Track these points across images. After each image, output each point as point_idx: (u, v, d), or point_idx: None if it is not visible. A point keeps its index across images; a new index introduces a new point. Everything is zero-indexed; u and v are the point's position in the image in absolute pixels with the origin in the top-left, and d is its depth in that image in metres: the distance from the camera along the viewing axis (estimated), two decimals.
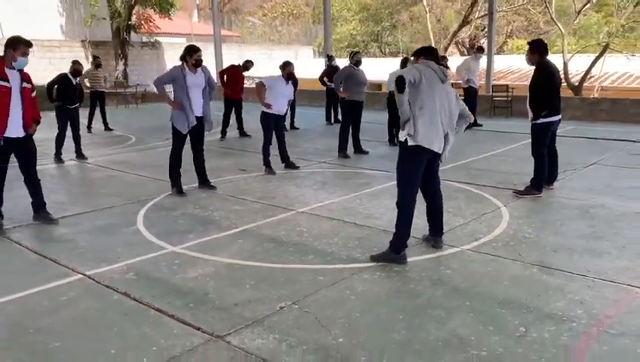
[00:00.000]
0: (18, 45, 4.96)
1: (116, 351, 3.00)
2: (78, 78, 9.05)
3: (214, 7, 17.15)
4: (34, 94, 5.31)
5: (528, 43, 6.29)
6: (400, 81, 3.97)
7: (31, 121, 5.18)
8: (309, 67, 25.53)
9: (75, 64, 9.07)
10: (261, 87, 7.57)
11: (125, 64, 21.95)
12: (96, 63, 12.75)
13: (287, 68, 7.80)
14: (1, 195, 5.23)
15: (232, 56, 22.70)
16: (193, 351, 3.00)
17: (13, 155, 5.19)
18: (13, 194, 5.74)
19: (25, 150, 5.23)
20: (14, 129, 5.04)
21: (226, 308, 3.51)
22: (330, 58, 14.13)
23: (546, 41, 6.55)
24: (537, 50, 6.07)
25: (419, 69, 4.14)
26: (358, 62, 8.93)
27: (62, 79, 8.72)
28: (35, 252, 4.61)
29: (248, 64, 11.37)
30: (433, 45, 27.69)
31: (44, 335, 3.19)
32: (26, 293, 3.76)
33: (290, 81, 7.81)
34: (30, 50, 5.10)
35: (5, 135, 4.98)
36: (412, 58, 4.49)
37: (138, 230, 5.14)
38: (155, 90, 6.48)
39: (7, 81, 4.93)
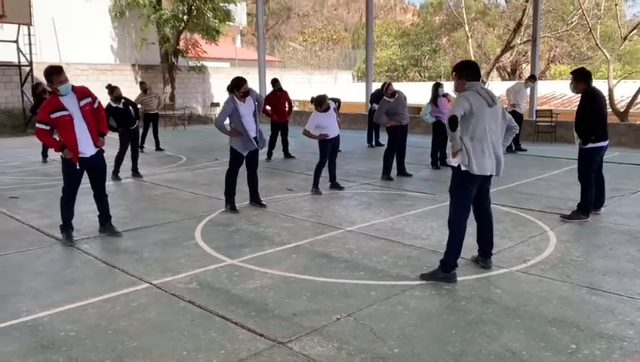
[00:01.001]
0: (51, 77, 5.16)
1: (188, 353, 3.25)
2: (122, 100, 9.25)
3: (259, 36, 17.76)
4: (96, 104, 5.52)
5: (572, 72, 6.37)
6: (453, 121, 4.12)
7: (97, 136, 5.47)
8: (349, 91, 25.93)
9: (113, 91, 9.14)
10: (309, 132, 7.83)
11: (173, 87, 22.79)
12: (143, 88, 13.32)
13: (323, 105, 7.85)
14: (72, 209, 5.63)
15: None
16: (259, 354, 3.22)
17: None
18: (79, 209, 6.12)
19: (97, 167, 5.61)
20: (85, 148, 5.40)
21: (286, 317, 3.72)
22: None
23: (589, 68, 6.65)
24: (582, 79, 6.17)
25: (468, 98, 4.22)
26: (392, 94, 9.03)
27: (109, 110, 8.96)
28: (104, 261, 4.96)
29: (277, 84, 11.63)
30: None
31: (121, 335, 3.47)
32: (101, 298, 4.07)
33: (331, 109, 7.97)
34: (65, 73, 5.23)
35: (79, 155, 5.37)
36: (453, 73, 4.49)
37: (197, 244, 5.44)
38: (218, 129, 6.85)
39: (65, 109, 5.23)
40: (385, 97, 9.12)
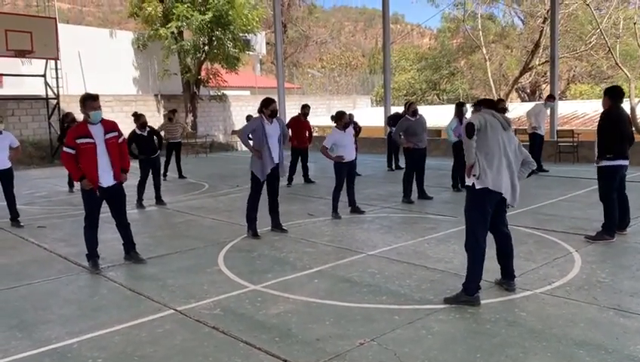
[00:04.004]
0: (85, 102, 5.43)
1: None
2: (147, 129, 9.47)
3: (278, 64, 18.11)
4: (121, 140, 5.74)
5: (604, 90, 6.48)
6: (470, 127, 4.20)
7: (120, 171, 5.67)
8: (367, 115, 26.08)
9: (139, 118, 9.41)
10: (326, 150, 7.89)
11: (194, 116, 23.22)
12: (169, 117, 13.70)
13: (341, 119, 7.97)
14: (96, 237, 5.75)
15: (293, 107, 23.59)
16: None
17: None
18: (104, 237, 6.27)
19: (116, 197, 5.74)
20: (104, 178, 5.55)
21: (309, 343, 3.73)
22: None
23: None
24: (607, 94, 6.25)
25: (483, 116, 4.36)
26: (414, 113, 9.17)
27: (133, 137, 9.27)
28: (130, 289, 5.04)
29: (306, 109, 11.87)
30: (494, 92, 27.76)
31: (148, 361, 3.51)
32: (127, 325, 4.13)
33: (347, 128, 8.02)
34: (99, 101, 5.50)
35: (98, 184, 5.52)
36: (472, 108, 4.74)
37: (220, 270, 5.50)
38: (240, 141, 7.12)
39: (91, 137, 5.43)
40: (406, 115, 9.19)
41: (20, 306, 4.65)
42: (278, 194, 7.08)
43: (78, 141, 5.41)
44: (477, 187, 4.29)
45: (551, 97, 12.95)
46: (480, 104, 4.62)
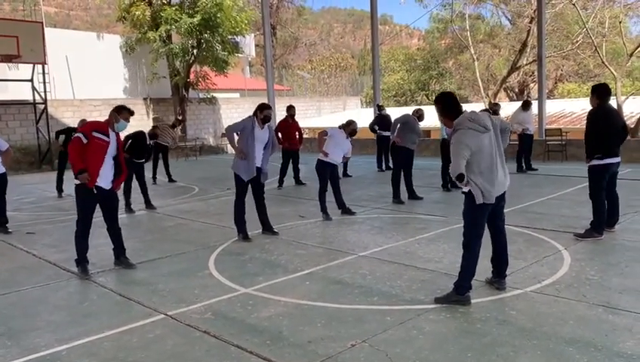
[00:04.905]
0: (122, 111, 5.70)
1: None
2: (151, 142, 9.68)
3: (268, 66, 18.10)
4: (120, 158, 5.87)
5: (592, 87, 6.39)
6: (461, 178, 4.15)
7: (120, 183, 5.79)
8: (357, 117, 26.12)
9: (155, 128, 9.85)
10: (323, 135, 8.07)
11: (184, 119, 23.13)
12: (174, 123, 13.79)
13: (350, 126, 8.26)
14: (87, 243, 5.71)
15: (284, 109, 23.61)
16: None
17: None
18: (94, 243, 6.21)
19: (109, 200, 5.74)
20: (102, 180, 5.58)
21: (301, 345, 3.73)
22: (380, 107, 14.63)
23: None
24: (594, 92, 6.19)
25: (464, 142, 4.14)
26: (420, 117, 9.59)
27: (138, 136, 9.35)
28: (120, 294, 5.00)
29: (291, 110, 11.87)
30: (482, 92, 27.89)
31: None
32: (118, 331, 4.10)
33: (350, 139, 8.26)
34: (131, 117, 5.79)
35: (96, 183, 5.51)
36: (437, 106, 4.39)
37: (211, 274, 5.48)
38: (227, 137, 7.17)
39: (108, 136, 5.56)
40: (414, 115, 9.54)
41: (8, 313, 4.61)
42: (264, 195, 7.05)
43: (95, 134, 5.49)
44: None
45: (527, 104, 12.37)
46: (444, 111, 4.32)
